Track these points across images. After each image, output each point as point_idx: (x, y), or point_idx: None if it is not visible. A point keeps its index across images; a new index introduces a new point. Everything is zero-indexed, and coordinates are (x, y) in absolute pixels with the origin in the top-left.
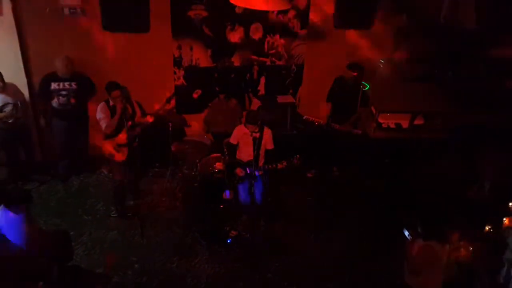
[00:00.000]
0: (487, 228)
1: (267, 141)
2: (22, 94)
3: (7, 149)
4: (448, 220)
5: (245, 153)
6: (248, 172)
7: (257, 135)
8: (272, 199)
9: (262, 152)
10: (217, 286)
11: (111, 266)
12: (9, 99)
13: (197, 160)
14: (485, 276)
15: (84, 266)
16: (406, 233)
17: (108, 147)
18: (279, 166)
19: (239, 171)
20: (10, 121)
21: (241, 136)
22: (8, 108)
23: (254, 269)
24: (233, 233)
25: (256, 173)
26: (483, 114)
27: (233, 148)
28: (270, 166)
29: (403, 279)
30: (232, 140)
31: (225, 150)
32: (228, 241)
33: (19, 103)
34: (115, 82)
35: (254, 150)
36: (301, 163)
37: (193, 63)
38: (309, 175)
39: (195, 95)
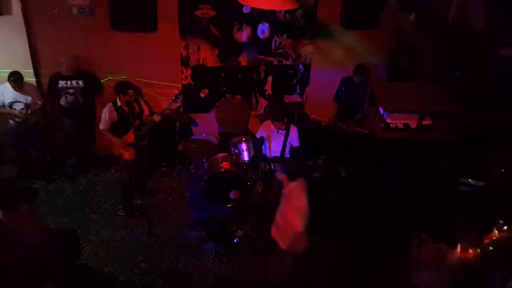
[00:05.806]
0: (496, 230)
1: (293, 138)
2: (39, 96)
3: (18, 147)
4: (458, 222)
5: (271, 149)
6: (273, 169)
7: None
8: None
9: (287, 149)
10: (223, 285)
11: None
12: (22, 98)
13: (204, 159)
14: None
15: (91, 264)
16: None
17: (116, 147)
18: None
19: (263, 166)
20: (18, 120)
21: (268, 132)
22: (19, 106)
23: (260, 269)
24: (240, 232)
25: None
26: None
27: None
28: None
29: (409, 279)
30: (258, 136)
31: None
32: (235, 241)
33: (31, 103)
34: (128, 81)
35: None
36: (327, 164)
37: (200, 62)
38: (315, 175)
39: (202, 95)
